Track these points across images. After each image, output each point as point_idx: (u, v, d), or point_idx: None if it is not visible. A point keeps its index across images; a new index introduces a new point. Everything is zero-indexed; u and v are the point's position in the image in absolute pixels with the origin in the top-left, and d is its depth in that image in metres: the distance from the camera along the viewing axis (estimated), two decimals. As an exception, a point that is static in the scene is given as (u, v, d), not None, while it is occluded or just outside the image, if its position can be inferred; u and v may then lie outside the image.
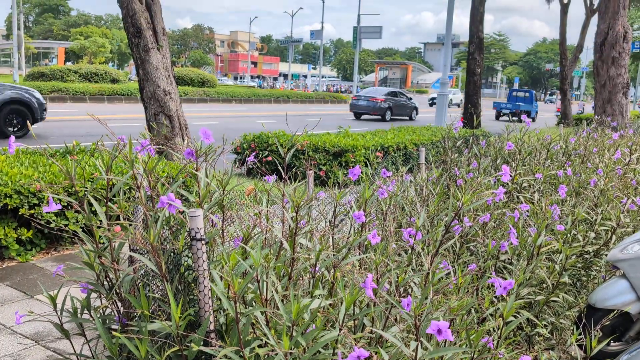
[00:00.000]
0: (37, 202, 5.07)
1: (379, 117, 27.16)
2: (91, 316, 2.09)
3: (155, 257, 1.74)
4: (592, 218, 4.40)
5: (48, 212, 5.15)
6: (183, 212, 1.89)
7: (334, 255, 2.20)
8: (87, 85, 27.09)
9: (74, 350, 2.25)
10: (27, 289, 4.46)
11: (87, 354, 2.37)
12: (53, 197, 1.92)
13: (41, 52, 69.22)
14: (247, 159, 2.68)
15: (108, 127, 2.03)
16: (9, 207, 4.93)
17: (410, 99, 30.21)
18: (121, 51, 74.09)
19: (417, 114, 30.06)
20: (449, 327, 2.38)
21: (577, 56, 26.02)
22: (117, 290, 2.06)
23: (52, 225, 5.16)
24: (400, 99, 28.81)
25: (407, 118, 28.98)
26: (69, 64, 51.87)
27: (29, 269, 4.91)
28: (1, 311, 4.04)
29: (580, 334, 3.48)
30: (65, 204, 4.78)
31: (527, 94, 33.38)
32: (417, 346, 1.62)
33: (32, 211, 5.03)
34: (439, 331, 1.48)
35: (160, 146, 7.27)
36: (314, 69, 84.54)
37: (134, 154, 2.11)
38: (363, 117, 27.89)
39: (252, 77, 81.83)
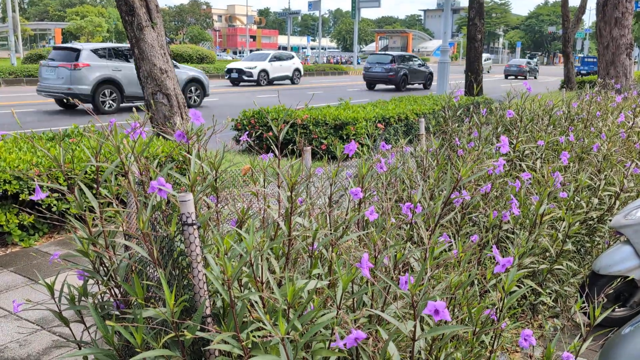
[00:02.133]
0: (40, 186, 5.05)
1: (523, 77, 40.48)
2: (90, 303, 2.08)
3: (146, 243, 1.71)
4: (595, 184, 4.35)
5: (47, 198, 5.14)
6: (174, 196, 1.86)
7: (331, 233, 2.17)
8: (85, 66, 26.83)
9: (74, 337, 2.25)
10: (31, 274, 4.47)
11: (89, 340, 2.37)
12: (40, 185, 1.88)
13: (38, 34, 68.63)
14: (240, 138, 2.63)
15: (92, 111, 1.99)
16: (9, 193, 4.92)
17: (537, 64, 45.19)
18: (118, 30, 73.33)
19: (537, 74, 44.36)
20: (450, 302, 2.36)
21: (580, 18, 25.55)
22: (114, 277, 2.05)
23: (53, 210, 5.16)
24: (531, 65, 42.69)
25: (533, 78, 41.52)
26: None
27: (33, 254, 4.92)
28: (6, 297, 4.05)
29: (584, 302, 3.47)
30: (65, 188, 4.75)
31: (595, 59, 42.87)
32: (414, 325, 1.60)
33: (32, 196, 5.02)
34: (436, 311, 1.46)
35: (159, 126, 7.22)
36: (313, 40, 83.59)
37: (122, 137, 2.07)
38: (509, 77, 41.65)
39: (251, 51, 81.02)
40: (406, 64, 26.52)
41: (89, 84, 14.40)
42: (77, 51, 14.61)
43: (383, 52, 27.84)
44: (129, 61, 15.05)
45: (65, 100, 15.00)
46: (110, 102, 14.91)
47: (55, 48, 15.86)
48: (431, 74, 27.90)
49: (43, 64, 15.09)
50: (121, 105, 15.16)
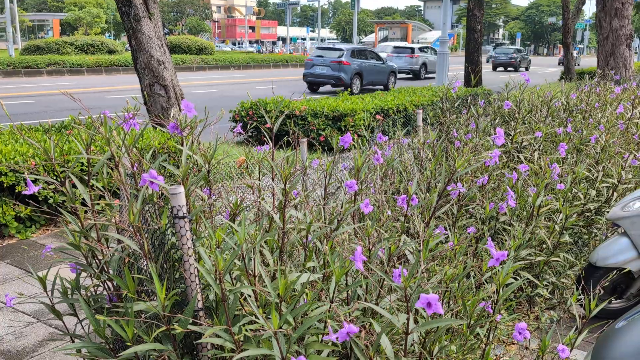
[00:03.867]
0: (33, 179, 5.03)
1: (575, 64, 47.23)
2: (81, 296, 2.07)
3: (137, 236, 1.70)
4: (593, 175, 4.33)
5: (44, 190, 5.12)
6: (165, 188, 1.84)
7: (325, 226, 2.16)
8: (84, 57, 26.78)
9: (67, 330, 2.24)
10: (27, 266, 4.46)
11: (82, 333, 2.36)
12: (31, 179, 1.87)
13: (36, 25, 68.21)
14: (234, 130, 2.61)
15: (82, 103, 1.97)
16: (5, 185, 4.90)
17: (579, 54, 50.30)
18: (117, 21, 72.89)
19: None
20: (444, 295, 2.35)
21: (580, 8, 25.40)
22: (106, 270, 2.03)
23: (50, 202, 5.14)
24: (576, 55, 46.23)
25: (577, 65, 45.38)
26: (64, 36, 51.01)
27: (29, 246, 4.91)
28: (2, 290, 4.04)
29: (581, 294, 3.46)
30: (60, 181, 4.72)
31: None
32: (407, 318, 1.59)
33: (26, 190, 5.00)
34: (429, 304, 1.44)
35: (157, 117, 7.19)
36: (312, 31, 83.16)
37: (114, 128, 2.05)
38: (561, 64, 45.76)
39: (250, 42, 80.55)
40: (518, 54, 40.52)
41: (418, 65, 27.33)
42: (412, 49, 27.48)
43: (507, 46, 44.77)
44: (425, 53, 28.15)
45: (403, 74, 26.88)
46: (424, 74, 27.61)
47: (396, 47, 28.72)
48: (530, 60, 42.49)
49: (392, 53, 27.20)
50: (423, 77, 27.60)
